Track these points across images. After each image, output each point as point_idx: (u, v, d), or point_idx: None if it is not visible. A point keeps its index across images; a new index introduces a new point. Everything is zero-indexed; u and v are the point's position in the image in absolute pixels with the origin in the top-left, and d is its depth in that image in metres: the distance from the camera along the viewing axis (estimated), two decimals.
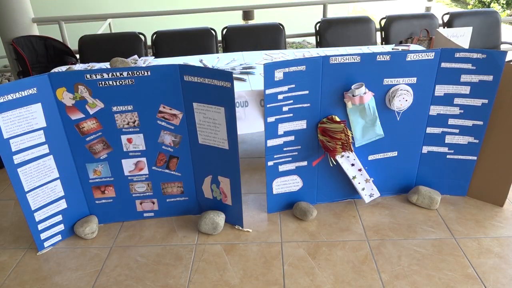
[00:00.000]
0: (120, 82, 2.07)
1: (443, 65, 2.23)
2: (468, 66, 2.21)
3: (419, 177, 2.54)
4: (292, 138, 2.28)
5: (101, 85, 2.07)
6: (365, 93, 2.18)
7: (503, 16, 7.47)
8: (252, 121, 2.37)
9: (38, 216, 2.17)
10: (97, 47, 3.50)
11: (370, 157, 2.42)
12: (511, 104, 2.23)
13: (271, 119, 2.19)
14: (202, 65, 2.77)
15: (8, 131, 1.96)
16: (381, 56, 2.16)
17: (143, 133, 2.21)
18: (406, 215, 2.41)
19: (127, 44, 3.50)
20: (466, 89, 2.27)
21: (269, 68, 2.06)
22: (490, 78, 2.21)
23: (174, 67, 2.07)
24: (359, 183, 2.41)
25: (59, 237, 2.30)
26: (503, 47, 3.93)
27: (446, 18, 3.86)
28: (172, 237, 2.31)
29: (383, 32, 3.78)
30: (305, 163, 2.37)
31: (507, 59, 2.21)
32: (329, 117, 2.25)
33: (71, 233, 2.34)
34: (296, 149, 2.32)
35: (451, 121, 2.36)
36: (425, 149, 2.46)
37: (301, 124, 2.26)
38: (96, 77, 2.04)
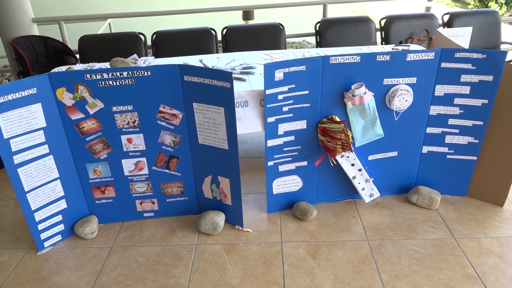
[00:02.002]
0: (120, 82, 2.07)
1: (443, 65, 2.23)
2: (468, 66, 2.21)
3: (419, 177, 2.54)
4: (292, 138, 2.28)
5: (101, 85, 2.07)
6: (365, 93, 2.18)
7: (501, 13, 7.45)
8: (252, 121, 2.37)
9: (38, 216, 2.17)
10: (97, 47, 3.50)
11: (370, 157, 2.42)
12: (511, 104, 2.23)
13: (271, 119, 2.19)
14: (202, 65, 2.77)
15: (8, 131, 1.96)
16: (381, 56, 2.16)
17: (143, 133, 2.21)
18: (406, 215, 2.41)
19: (127, 44, 3.50)
20: (466, 89, 2.27)
21: (269, 68, 2.06)
22: (490, 78, 2.21)
23: (174, 67, 2.07)
24: (359, 183, 2.41)
25: (59, 237, 2.30)
26: (503, 47, 3.93)
27: (446, 18, 3.86)
28: (172, 237, 2.31)
29: (383, 32, 3.78)
30: (305, 163, 2.37)
31: (507, 59, 2.21)
32: (329, 117, 2.25)
33: (71, 233, 2.34)
34: (296, 149, 2.32)
35: (451, 121, 2.36)
36: (425, 149, 2.46)
37: (301, 124, 2.26)
38: (96, 77, 2.05)
